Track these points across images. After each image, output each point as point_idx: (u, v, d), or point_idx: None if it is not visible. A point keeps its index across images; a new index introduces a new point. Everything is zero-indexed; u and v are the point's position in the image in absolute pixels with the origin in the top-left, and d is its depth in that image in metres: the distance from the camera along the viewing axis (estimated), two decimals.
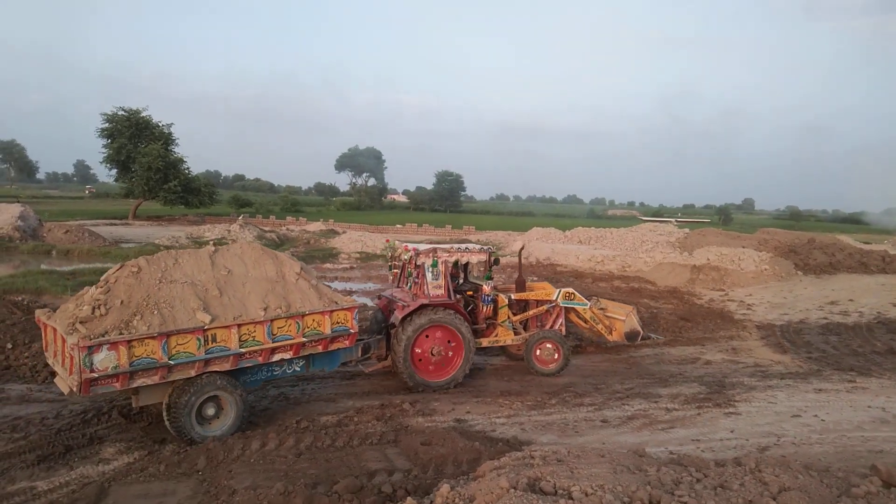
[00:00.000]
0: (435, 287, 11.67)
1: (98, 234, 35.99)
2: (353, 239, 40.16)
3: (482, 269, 12.98)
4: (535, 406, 10.58)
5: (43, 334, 9.36)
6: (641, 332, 13.81)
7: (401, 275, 12.75)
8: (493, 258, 12.72)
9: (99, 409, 9.63)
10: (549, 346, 12.80)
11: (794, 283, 27.20)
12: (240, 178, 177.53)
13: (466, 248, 12.46)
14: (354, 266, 30.78)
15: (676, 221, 75.22)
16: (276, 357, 9.37)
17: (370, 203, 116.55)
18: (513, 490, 5.07)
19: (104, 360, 7.83)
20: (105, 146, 61.95)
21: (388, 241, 13.98)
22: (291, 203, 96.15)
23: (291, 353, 9.48)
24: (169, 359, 8.29)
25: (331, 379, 11.89)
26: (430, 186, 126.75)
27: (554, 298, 13.43)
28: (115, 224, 52.82)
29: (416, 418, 9.68)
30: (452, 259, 12.11)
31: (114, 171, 64.39)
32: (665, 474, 5.48)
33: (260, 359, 9.18)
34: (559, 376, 12.52)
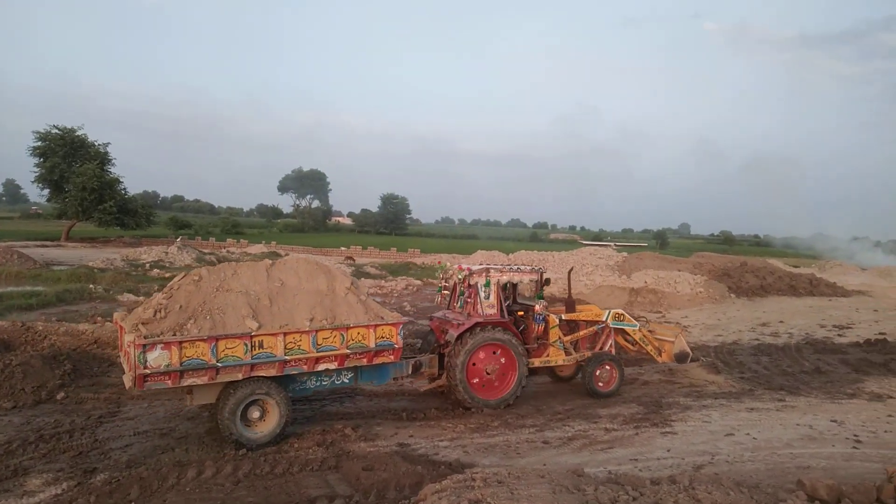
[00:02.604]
0: (488, 306, 11.94)
1: (28, 255, 34.58)
2: None
3: (532, 289, 13.11)
4: (477, 429, 10.62)
5: (119, 335, 10.04)
6: (690, 353, 13.98)
7: (451, 296, 12.87)
8: (544, 278, 12.93)
9: (24, 439, 9.22)
10: (607, 367, 12.95)
11: (728, 306, 28.16)
12: (178, 199, 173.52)
13: (518, 268, 12.86)
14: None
15: (615, 245, 76.95)
16: (321, 367, 9.79)
17: (314, 225, 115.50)
18: None
19: (157, 358, 8.44)
20: (37, 165, 59.79)
21: (440, 262, 14.12)
22: (232, 225, 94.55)
23: (336, 363, 9.88)
24: (217, 361, 8.84)
25: None
26: (375, 209, 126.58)
27: (604, 319, 13.51)
28: (47, 246, 50.89)
29: (359, 443, 9.58)
30: (504, 279, 12.35)
31: (46, 192, 62.23)
32: (602, 493, 5.58)
33: (305, 367, 9.62)
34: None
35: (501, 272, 12.41)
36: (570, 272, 14.74)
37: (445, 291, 13.19)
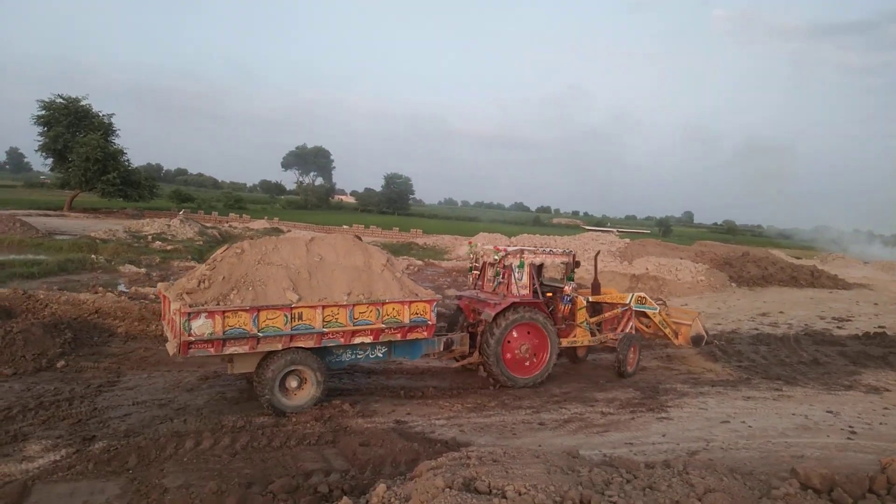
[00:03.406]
0: (522, 287, 12.15)
1: (31, 224, 34.62)
2: None
3: (562, 271, 13.44)
4: (474, 408, 10.67)
5: (162, 304, 10.54)
6: (706, 336, 14.46)
7: (481, 276, 13.16)
8: (575, 261, 13.20)
9: (24, 406, 9.28)
10: (633, 349, 13.43)
11: (728, 295, 28.16)
12: (182, 172, 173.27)
13: (550, 250, 13.14)
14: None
15: (618, 231, 76.81)
16: (357, 340, 10.13)
17: (317, 203, 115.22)
18: (448, 489, 5.13)
19: (201, 326, 8.77)
20: (41, 134, 59.64)
21: (470, 243, 14.49)
22: (235, 200, 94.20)
23: (371, 337, 10.21)
24: (258, 331, 9.17)
25: None
26: (378, 188, 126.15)
27: (627, 302, 13.91)
28: (50, 215, 50.84)
29: (356, 419, 9.63)
30: (538, 261, 12.64)
31: (49, 161, 62.18)
32: (597, 475, 5.61)
33: (341, 340, 9.96)
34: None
35: (535, 254, 12.64)
36: (596, 256, 15.15)
37: (476, 272, 13.39)
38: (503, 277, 12.28)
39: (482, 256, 13.09)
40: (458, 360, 12.49)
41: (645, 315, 14.12)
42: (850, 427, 10.45)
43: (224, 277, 9.44)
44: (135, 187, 61.49)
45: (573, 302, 13.08)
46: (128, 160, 62.49)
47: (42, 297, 15.12)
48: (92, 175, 57.01)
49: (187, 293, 9.07)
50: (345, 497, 6.01)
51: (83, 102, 60.77)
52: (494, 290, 12.52)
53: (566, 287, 13.02)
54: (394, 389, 11.55)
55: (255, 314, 9.10)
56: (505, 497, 5.01)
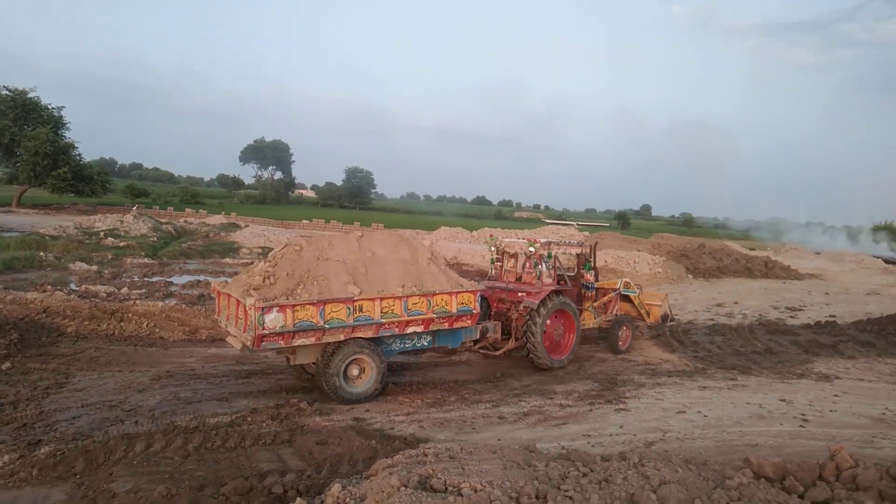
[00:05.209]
0: (548, 276, 13.30)
1: None
2: (256, 233, 39.19)
3: (574, 261, 14.74)
4: (434, 403, 10.61)
5: (217, 301, 11.06)
6: (670, 314, 16.56)
7: (503, 267, 14.33)
8: (591, 251, 14.92)
9: None
10: (626, 328, 15.10)
11: (685, 286, 28.63)
12: (137, 167, 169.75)
13: (569, 242, 14.77)
14: (256, 261, 30.03)
15: (577, 224, 77.57)
16: (410, 330, 10.78)
17: (276, 197, 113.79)
18: (404, 488, 5.05)
19: (273, 320, 9.29)
20: None
21: (491, 235, 15.29)
22: (191, 194, 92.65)
23: (422, 327, 10.87)
24: (324, 323, 9.73)
25: (225, 377, 11.52)
26: (339, 182, 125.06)
27: (618, 287, 15.55)
28: None
29: (314, 417, 9.49)
30: (561, 251, 13.73)
31: None
32: (553, 469, 5.59)
33: (396, 329, 10.60)
34: (459, 373, 12.64)
35: (559, 245, 14.10)
36: (594, 245, 15.92)
37: (498, 263, 14.39)
38: (538, 267, 13.34)
39: (504, 248, 14.26)
40: (491, 350, 13.39)
41: (625, 299, 15.60)
42: (802, 415, 10.66)
43: (287, 273, 9.91)
44: (87, 182, 59.94)
45: (595, 288, 14.56)
46: (79, 154, 61.02)
47: None
48: (41, 170, 55.44)
49: (254, 289, 9.49)
50: (299, 498, 5.89)
51: (31, 95, 58.98)
52: (520, 279, 13.84)
53: (587, 275, 14.46)
54: None
55: (321, 307, 9.67)
56: (461, 494, 4.95)
